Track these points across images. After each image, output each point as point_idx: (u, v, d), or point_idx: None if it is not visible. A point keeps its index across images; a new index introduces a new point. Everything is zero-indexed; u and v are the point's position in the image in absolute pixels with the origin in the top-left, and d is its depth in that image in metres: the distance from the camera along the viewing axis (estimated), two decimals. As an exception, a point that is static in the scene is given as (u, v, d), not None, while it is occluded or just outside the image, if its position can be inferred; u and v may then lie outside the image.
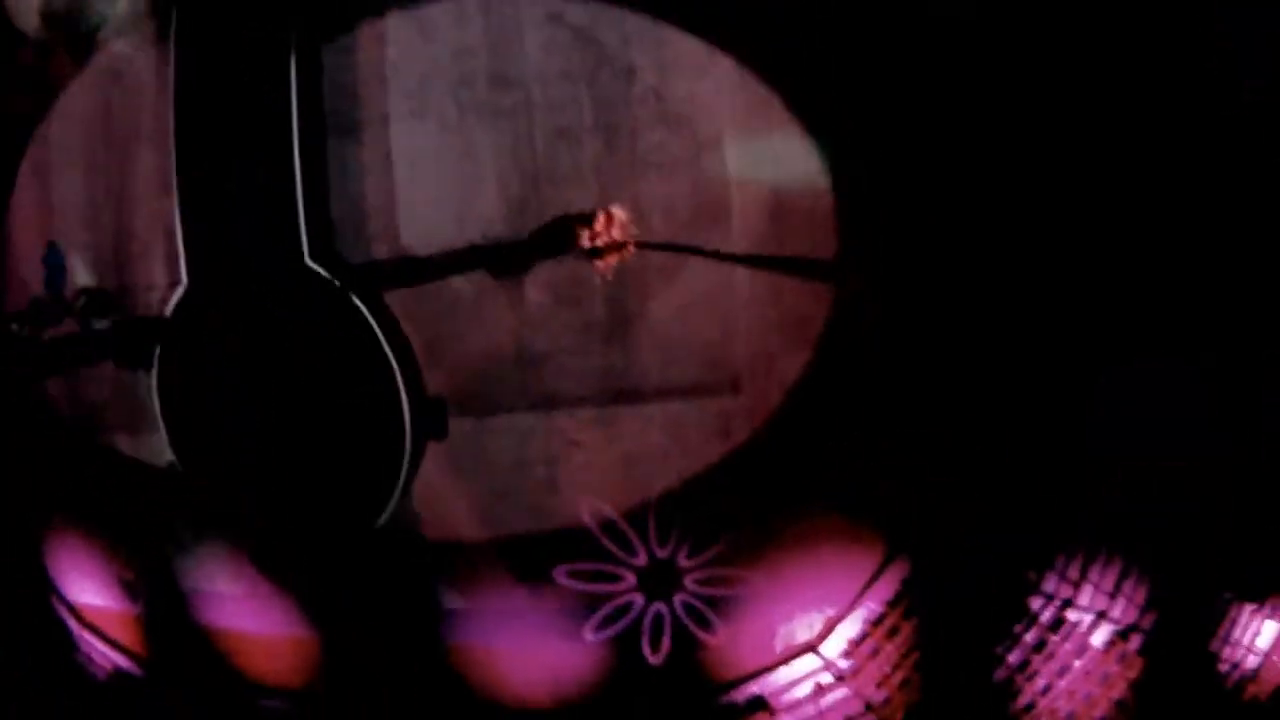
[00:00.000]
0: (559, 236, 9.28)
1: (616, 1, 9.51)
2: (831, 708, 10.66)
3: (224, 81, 9.96)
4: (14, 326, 10.42)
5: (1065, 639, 10.48)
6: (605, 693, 10.36)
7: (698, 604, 10.20)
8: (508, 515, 10.14)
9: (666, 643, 10.26)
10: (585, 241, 8.82)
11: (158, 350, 10.24)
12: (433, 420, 9.99)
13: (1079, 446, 9.84)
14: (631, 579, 10.16)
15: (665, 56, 9.46)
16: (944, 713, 10.53)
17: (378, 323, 9.72)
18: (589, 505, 9.99)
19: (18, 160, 11.12)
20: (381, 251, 9.92)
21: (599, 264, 9.19)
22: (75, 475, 11.11)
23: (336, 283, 9.66)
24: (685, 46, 9.45)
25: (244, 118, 9.89)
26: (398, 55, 9.72)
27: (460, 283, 9.84)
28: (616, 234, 8.83)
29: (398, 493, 9.96)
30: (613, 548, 10.08)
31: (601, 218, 8.96)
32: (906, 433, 9.89)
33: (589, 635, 10.23)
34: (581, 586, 10.13)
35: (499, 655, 10.47)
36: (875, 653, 10.54)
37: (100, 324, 10.46)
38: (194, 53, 10.06)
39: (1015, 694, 10.53)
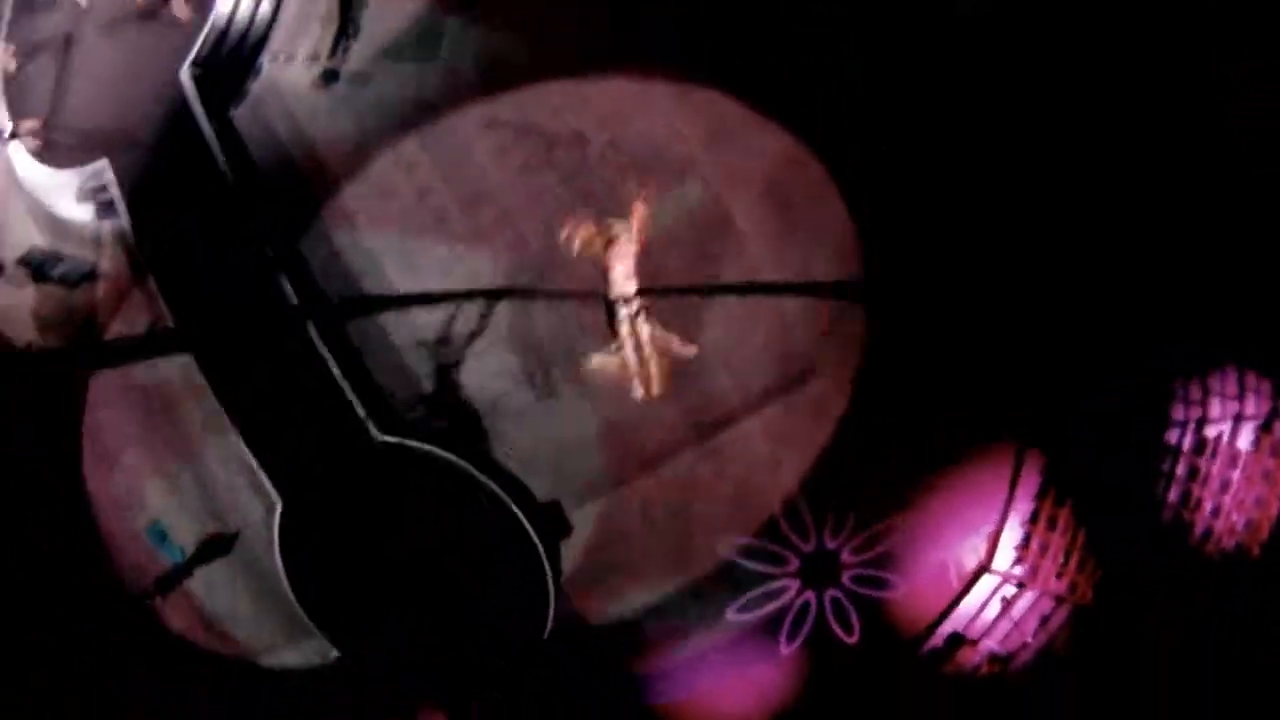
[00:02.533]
0: None
1: (531, 81, 9.62)
2: (1024, 615, 10.72)
3: (227, 313, 10.27)
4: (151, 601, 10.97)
5: (1214, 457, 10.41)
6: (815, 690, 10.53)
7: (868, 573, 10.30)
8: (657, 576, 10.32)
9: (855, 620, 10.38)
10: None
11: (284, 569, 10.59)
12: (554, 522, 10.22)
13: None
14: (795, 580, 10.31)
15: (600, 110, 9.52)
16: (1128, 574, 10.54)
17: (471, 464, 9.95)
18: (725, 538, 10.14)
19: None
20: (429, 389, 10.15)
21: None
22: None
23: (423, 447, 9.90)
24: (610, 92, 9.48)
25: (260, 337, 10.20)
26: (368, 221, 9.93)
27: (523, 393, 10.05)
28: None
29: (552, 601, 10.19)
30: (767, 561, 10.26)
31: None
32: (988, 332, 9.86)
33: (783, 647, 10.40)
34: (752, 614, 10.31)
35: (705, 697, 10.68)
36: (1044, 548, 10.56)
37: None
38: (186, 303, 10.39)
39: (1189, 528, 10.50)
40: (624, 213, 9.57)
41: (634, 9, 9.57)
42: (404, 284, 10.12)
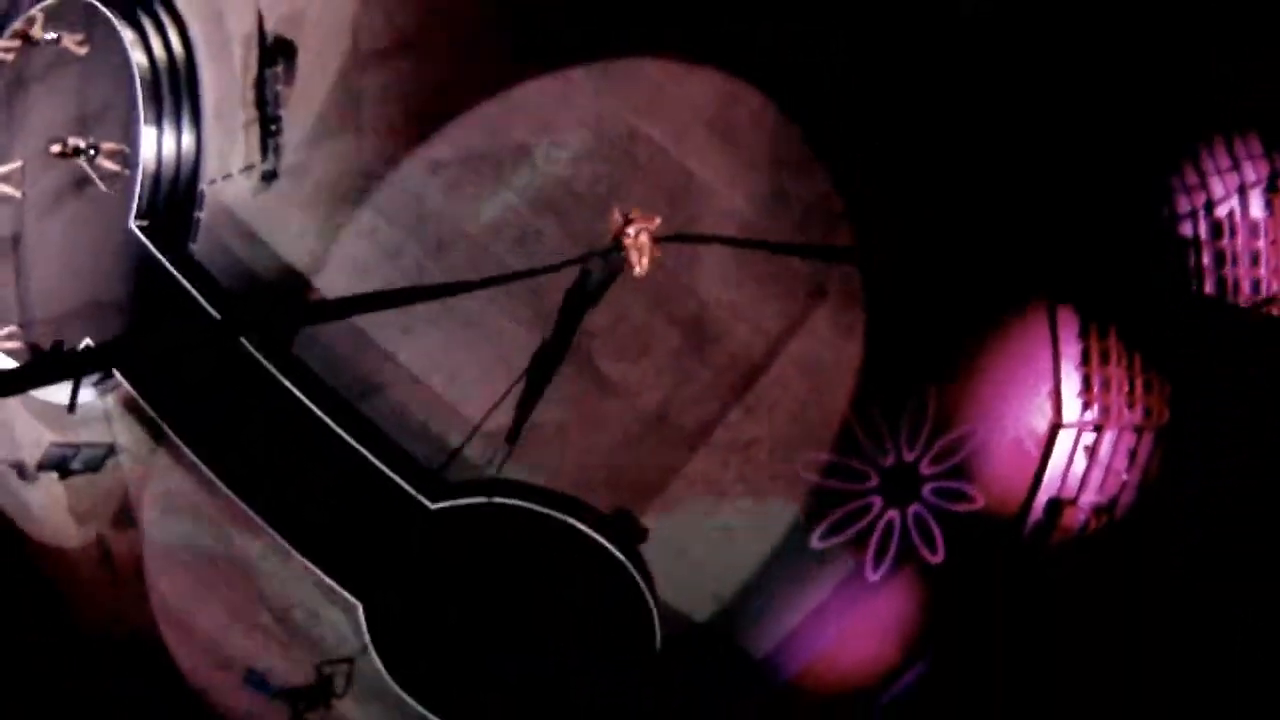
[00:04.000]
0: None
1: (458, 111, 9.71)
2: (1112, 456, 10.50)
3: (249, 438, 10.27)
4: None
5: (1234, 234, 10.28)
6: (929, 610, 10.28)
7: (947, 485, 10.13)
8: (743, 543, 10.14)
9: (939, 536, 10.17)
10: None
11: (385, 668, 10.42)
12: (629, 531, 10.07)
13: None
14: (878, 497, 10.13)
15: (532, 116, 9.62)
16: (1198, 376, 10.33)
17: (528, 500, 9.84)
18: (799, 468, 9.97)
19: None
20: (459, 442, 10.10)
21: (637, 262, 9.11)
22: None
23: (478, 500, 9.81)
24: (536, 94, 9.61)
25: (288, 449, 10.17)
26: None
27: (553, 411, 9.99)
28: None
29: (655, 612, 10.00)
30: (849, 481, 10.07)
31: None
32: (976, 196, 9.79)
33: (871, 575, 10.15)
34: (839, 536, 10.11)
35: (827, 654, 10.43)
36: (1106, 384, 10.38)
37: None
38: (209, 443, 10.39)
39: (1236, 313, 10.35)
40: (589, 207, 9.58)
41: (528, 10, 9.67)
42: (401, 349, 10.10)
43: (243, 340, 9.88)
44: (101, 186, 10.46)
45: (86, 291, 10.58)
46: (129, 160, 10.35)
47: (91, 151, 10.20)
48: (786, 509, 9.93)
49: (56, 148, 9.98)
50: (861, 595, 10.14)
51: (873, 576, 10.14)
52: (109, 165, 10.36)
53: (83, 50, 10.85)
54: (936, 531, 10.09)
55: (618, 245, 8.79)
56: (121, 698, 11.48)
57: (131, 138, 10.47)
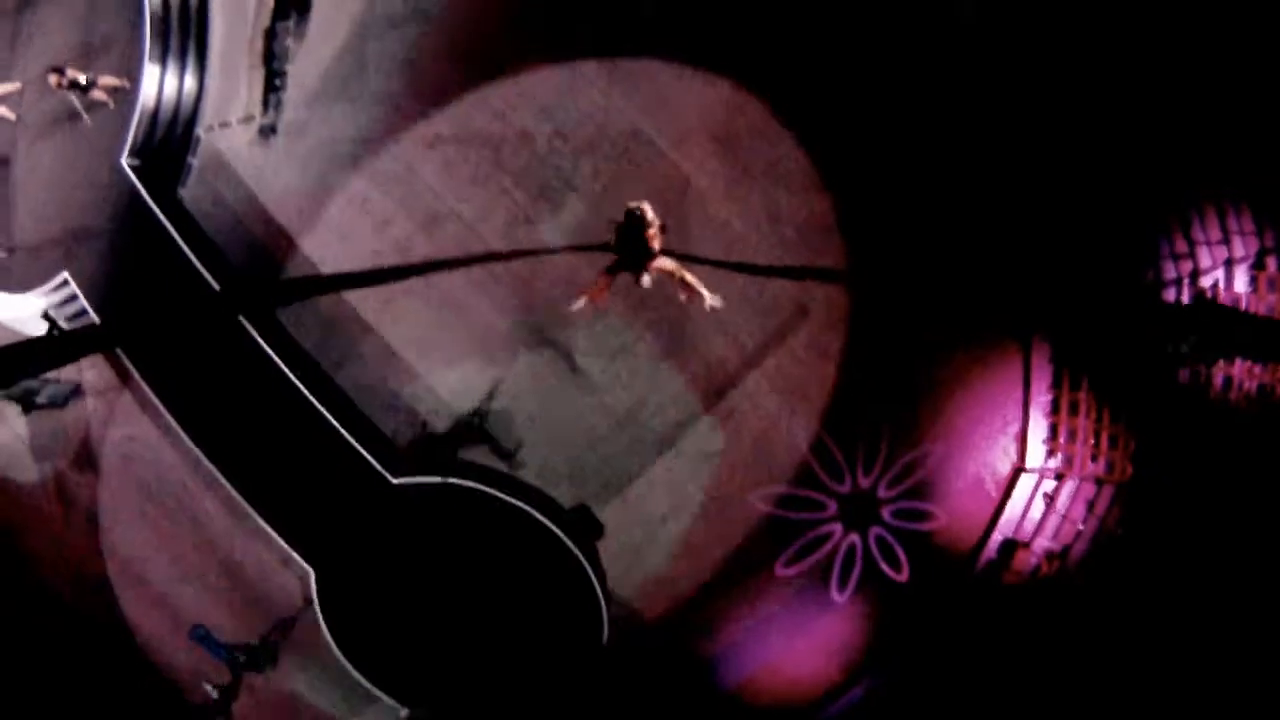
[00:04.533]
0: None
1: (464, 90, 9.65)
2: (1070, 505, 10.63)
3: (219, 393, 10.19)
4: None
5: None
6: (880, 633, 10.40)
7: (905, 505, 10.24)
8: (701, 549, 10.22)
9: (902, 556, 10.29)
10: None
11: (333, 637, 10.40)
12: (586, 526, 10.11)
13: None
14: (837, 524, 10.23)
15: (538, 102, 9.61)
16: (1162, 441, 10.47)
17: (489, 485, 9.85)
18: (758, 497, 10.07)
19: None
20: (429, 419, 10.07)
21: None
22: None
23: (440, 480, 9.80)
24: (543, 82, 9.56)
25: (257, 409, 10.11)
26: (335, 268, 9.89)
27: (525, 402, 9.98)
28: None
29: (604, 606, 10.05)
30: (806, 511, 10.17)
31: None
32: (968, 235, 9.85)
33: (836, 596, 10.29)
34: (801, 565, 10.22)
35: (774, 666, 10.53)
36: (1073, 434, 10.50)
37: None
38: (176, 392, 10.30)
39: (1209, 380, 10.47)
40: (584, 201, 9.55)
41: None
42: (381, 323, 10.05)
43: (221, 290, 9.77)
44: (86, 120, 10.28)
45: (72, 221, 10.40)
46: (127, 95, 10.17)
47: (90, 84, 10.02)
48: (746, 525, 9.99)
49: (54, 79, 9.79)
50: (817, 614, 10.27)
51: (838, 598, 10.25)
52: (102, 97, 10.17)
53: None
54: (899, 551, 10.22)
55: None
56: (64, 638, 11.40)
57: (133, 73, 10.30)
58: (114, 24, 10.62)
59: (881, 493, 10.22)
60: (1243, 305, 10.46)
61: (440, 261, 7.79)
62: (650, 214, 7.48)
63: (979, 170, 9.71)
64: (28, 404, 11.06)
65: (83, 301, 10.54)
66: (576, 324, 9.91)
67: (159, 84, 10.29)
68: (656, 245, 7.62)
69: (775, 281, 9.69)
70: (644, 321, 9.75)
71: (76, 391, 11.15)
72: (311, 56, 10.11)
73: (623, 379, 9.84)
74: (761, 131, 9.48)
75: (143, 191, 10.02)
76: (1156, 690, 9.75)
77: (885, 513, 10.26)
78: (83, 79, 9.93)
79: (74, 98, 10.06)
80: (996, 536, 10.52)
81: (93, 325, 10.21)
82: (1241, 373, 10.54)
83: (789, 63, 9.48)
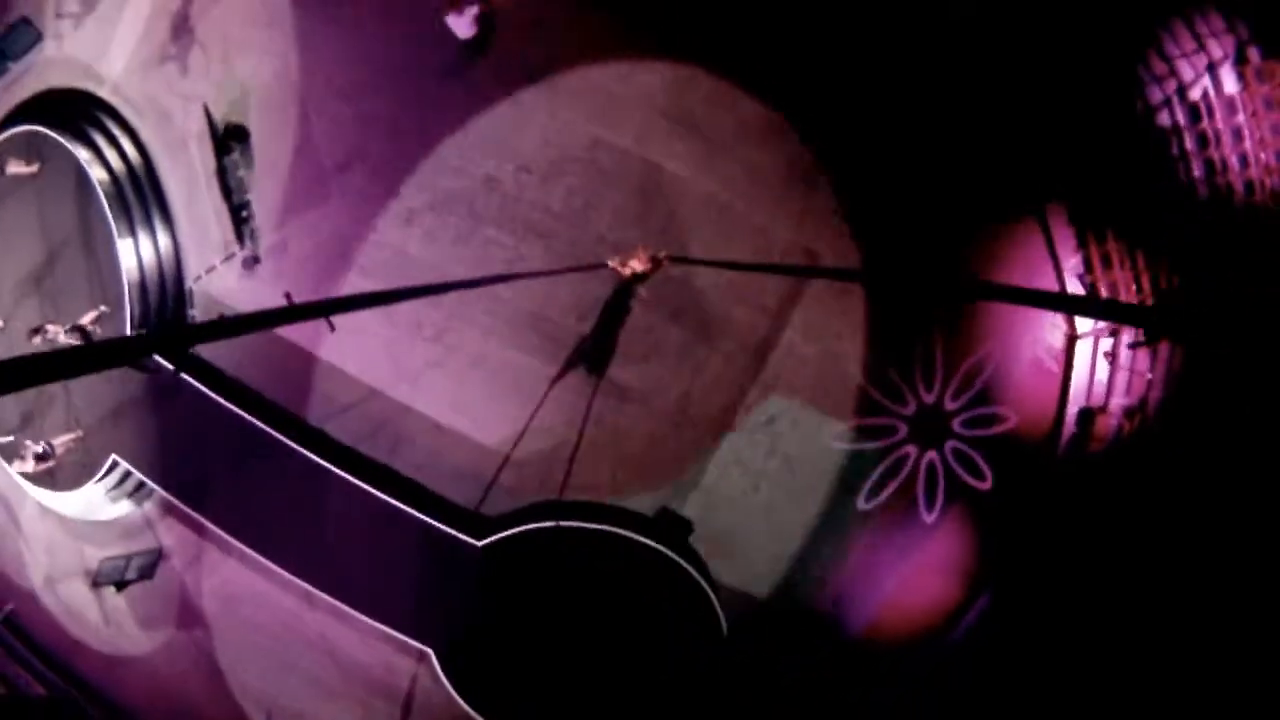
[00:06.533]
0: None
1: (420, 157, 9.75)
2: (1133, 358, 10.50)
3: (289, 509, 10.43)
4: None
5: (1212, 114, 10.15)
6: (988, 537, 10.33)
7: (974, 414, 10.16)
8: (789, 512, 10.22)
9: (982, 463, 10.22)
10: (626, 272, 8.77)
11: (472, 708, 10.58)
12: (673, 526, 10.16)
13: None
14: (911, 445, 10.18)
15: (493, 144, 9.69)
16: (1193, 269, 10.26)
17: (569, 518, 9.95)
18: (831, 437, 10.04)
19: None
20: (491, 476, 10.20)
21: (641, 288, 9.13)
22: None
23: (521, 529, 9.91)
24: (493, 122, 9.65)
25: (322, 517, 10.31)
26: (357, 368, 10.05)
27: (575, 428, 10.06)
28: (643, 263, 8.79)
29: (715, 599, 10.10)
30: (876, 436, 10.12)
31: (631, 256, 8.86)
32: (950, 127, 9.72)
33: (926, 517, 10.24)
34: (882, 495, 10.17)
35: (893, 600, 10.50)
36: (1113, 287, 10.36)
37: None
38: (252, 531, 10.56)
39: (1229, 192, 10.24)
40: (568, 223, 9.59)
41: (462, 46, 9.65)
42: (416, 401, 10.20)
43: (263, 425, 10.00)
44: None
45: (102, 409, 10.73)
46: (115, 278, 10.46)
47: (75, 329, 10.35)
48: (822, 474, 9.98)
49: (39, 339, 10.12)
50: (914, 540, 10.23)
51: (928, 519, 10.20)
52: (97, 330, 10.51)
53: (32, 169, 10.89)
54: (979, 459, 10.13)
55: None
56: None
57: (94, 252, 10.56)
58: (65, 213, 10.86)
59: (948, 405, 10.14)
60: (1238, 105, 10.21)
61: (438, 285, 7.84)
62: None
63: (943, 61, 9.57)
64: (119, 583, 11.39)
65: (137, 474, 10.86)
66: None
67: (136, 254, 10.53)
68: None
69: (778, 234, 9.64)
70: (664, 317, 9.76)
71: (160, 557, 11.47)
72: (267, 179, 10.27)
73: (662, 378, 9.88)
74: (714, 98, 9.44)
75: (158, 360, 10.23)
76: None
77: (955, 424, 10.18)
78: (63, 332, 10.24)
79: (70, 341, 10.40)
80: (1072, 410, 10.39)
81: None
82: (1259, 172, 10.30)
83: (715, 23, 9.40)
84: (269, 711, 11.41)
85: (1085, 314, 10.47)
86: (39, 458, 10.31)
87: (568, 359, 9.82)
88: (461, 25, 9.31)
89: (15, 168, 10.85)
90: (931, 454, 10.14)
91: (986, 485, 10.13)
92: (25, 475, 10.73)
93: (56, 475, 11.08)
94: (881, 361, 9.87)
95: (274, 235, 10.24)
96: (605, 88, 9.53)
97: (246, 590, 11.14)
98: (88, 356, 3.52)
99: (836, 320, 9.88)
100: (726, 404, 9.93)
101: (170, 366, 9.68)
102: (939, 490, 10.14)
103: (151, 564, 11.43)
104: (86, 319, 10.45)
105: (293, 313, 5.20)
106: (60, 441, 10.63)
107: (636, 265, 8.71)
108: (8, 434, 10.88)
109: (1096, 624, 10.20)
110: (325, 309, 5.14)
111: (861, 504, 10.07)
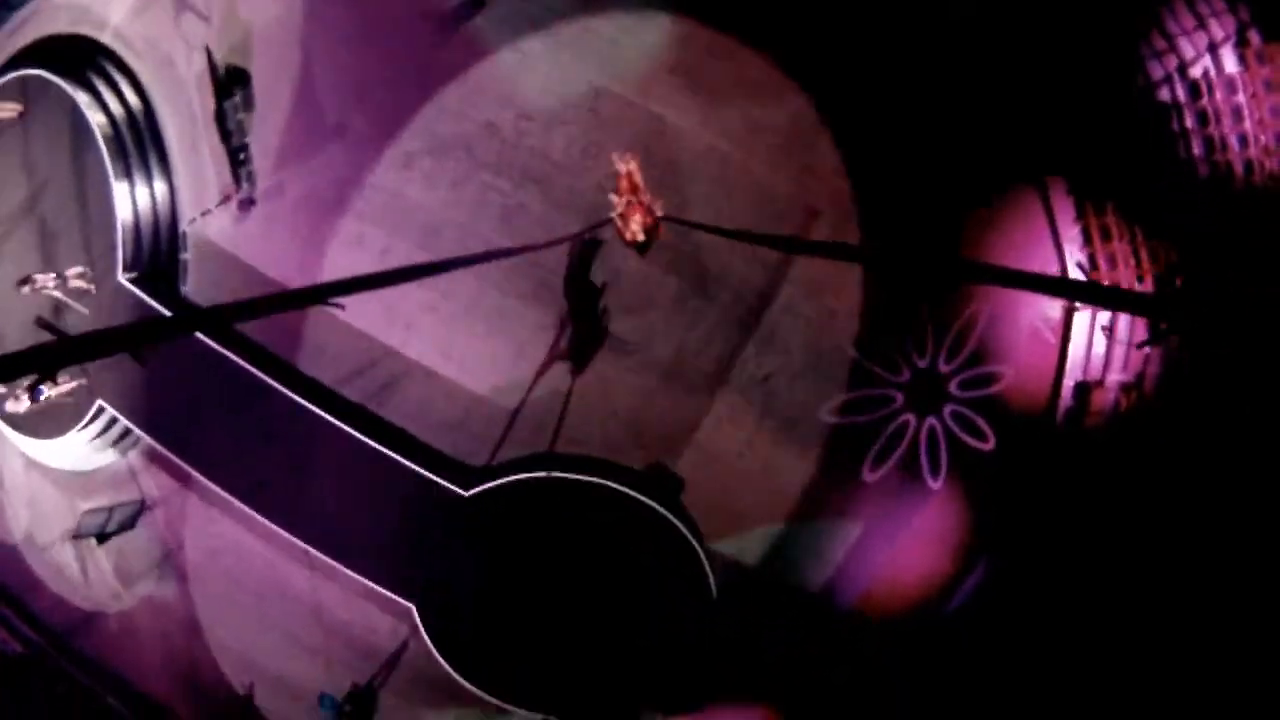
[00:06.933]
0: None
1: (419, 102, 9.70)
2: (1130, 332, 10.44)
3: (270, 459, 10.27)
4: None
5: (1212, 92, 10.18)
6: (981, 510, 10.22)
7: (969, 374, 10.08)
8: (784, 475, 10.09)
9: (982, 424, 10.12)
10: (627, 236, 8.72)
11: (451, 665, 10.37)
12: (664, 482, 10.04)
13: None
14: (909, 412, 10.10)
15: (493, 91, 9.65)
16: (1192, 246, 10.25)
17: (558, 470, 9.82)
18: (824, 412, 9.95)
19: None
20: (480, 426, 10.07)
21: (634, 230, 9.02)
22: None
23: (511, 479, 9.77)
24: (493, 70, 9.61)
25: (308, 466, 10.16)
26: (351, 311, 9.95)
27: (567, 378, 9.96)
28: (642, 219, 8.73)
29: (705, 560, 9.95)
30: (874, 410, 10.03)
31: (626, 217, 8.78)
32: (954, 96, 9.71)
33: (932, 484, 10.12)
34: (887, 465, 10.05)
35: (886, 572, 10.36)
36: (1112, 259, 10.32)
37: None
38: (232, 475, 10.40)
39: (1228, 170, 10.25)
40: (568, 172, 9.54)
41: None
42: (408, 346, 10.09)
43: (252, 368, 9.87)
44: (81, 310, 10.49)
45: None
46: (94, 276, 10.41)
47: (60, 280, 10.33)
48: (821, 439, 9.88)
49: (27, 289, 10.06)
50: (918, 508, 10.12)
51: (934, 485, 10.08)
52: (81, 284, 10.44)
53: (15, 111, 10.83)
54: (979, 421, 10.03)
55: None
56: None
57: (88, 195, 10.48)
58: (52, 158, 10.81)
59: (942, 368, 10.07)
60: (1238, 85, 10.25)
61: (442, 263, 7.77)
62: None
63: (948, 27, 9.58)
64: (100, 535, 11.20)
65: (122, 421, 10.71)
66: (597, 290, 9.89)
67: (131, 198, 10.47)
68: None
69: (778, 189, 9.60)
70: (660, 266, 9.68)
71: (142, 508, 11.29)
72: (265, 122, 10.22)
73: (658, 329, 9.79)
74: (717, 51, 9.42)
75: (148, 299, 10.16)
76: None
77: (952, 387, 10.10)
78: (50, 281, 10.20)
79: (59, 294, 10.32)
80: (1068, 382, 10.31)
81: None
82: (1258, 152, 10.33)
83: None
84: (248, 676, 11.20)
85: (1082, 299, 10.39)
86: (35, 396, 10.09)
87: (560, 308, 9.75)
88: None
89: (2, 111, 10.80)
90: (931, 420, 10.05)
91: (989, 446, 10.01)
92: (14, 416, 10.52)
93: (40, 422, 10.92)
94: (875, 326, 9.79)
95: (271, 178, 10.17)
96: (608, 38, 9.52)
97: (230, 543, 10.96)
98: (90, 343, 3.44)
99: (834, 278, 9.81)
100: (722, 358, 9.83)
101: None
102: (941, 454, 10.03)
103: (134, 516, 11.26)
104: (72, 273, 10.39)
105: (302, 296, 5.11)
106: (60, 387, 10.44)
107: (636, 229, 8.66)
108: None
109: (1092, 599, 10.08)
110: (333, 290, 4.96)
111: (868, 475, 9.94)
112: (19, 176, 11.04)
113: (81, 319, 10.57)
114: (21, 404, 10.02)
